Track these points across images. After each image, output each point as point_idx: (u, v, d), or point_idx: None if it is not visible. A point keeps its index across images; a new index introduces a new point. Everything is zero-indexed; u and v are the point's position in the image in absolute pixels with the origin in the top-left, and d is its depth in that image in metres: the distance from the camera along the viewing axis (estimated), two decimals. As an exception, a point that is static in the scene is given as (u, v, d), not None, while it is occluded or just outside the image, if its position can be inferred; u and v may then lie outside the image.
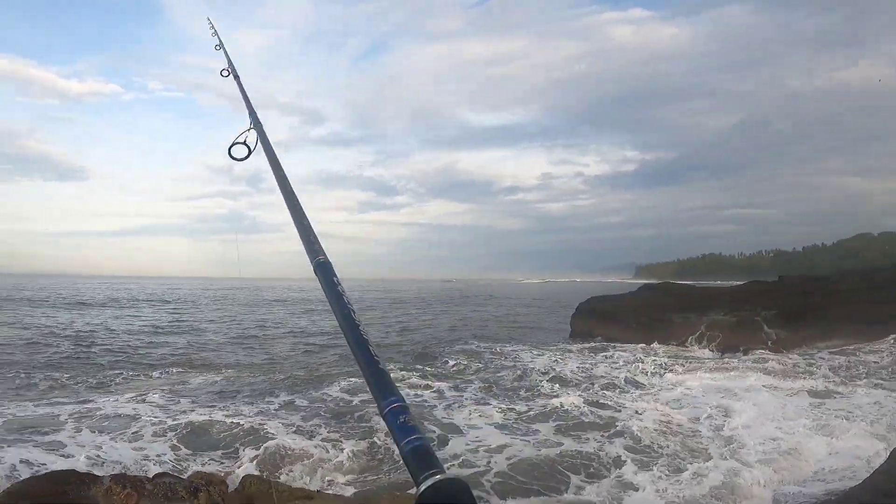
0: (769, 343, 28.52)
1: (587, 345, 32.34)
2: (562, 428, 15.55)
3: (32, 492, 6.86)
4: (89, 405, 17.20)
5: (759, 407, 16.86)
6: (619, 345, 31.60)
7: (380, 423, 15.46)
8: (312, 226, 2.49)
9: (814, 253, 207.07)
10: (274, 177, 3.03)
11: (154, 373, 23.46)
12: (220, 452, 13.37)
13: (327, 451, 13.23)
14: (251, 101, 4.01)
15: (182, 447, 13.57)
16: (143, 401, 17.75)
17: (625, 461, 12.83)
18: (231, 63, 5.07)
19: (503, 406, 17.79)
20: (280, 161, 3.15)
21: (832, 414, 15.89)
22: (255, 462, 12.27)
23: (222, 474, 10.41)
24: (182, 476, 8.19)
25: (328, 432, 14.85)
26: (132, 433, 14.41)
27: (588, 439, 14.50)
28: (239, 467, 11.99)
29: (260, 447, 13.21)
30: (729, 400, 18.01)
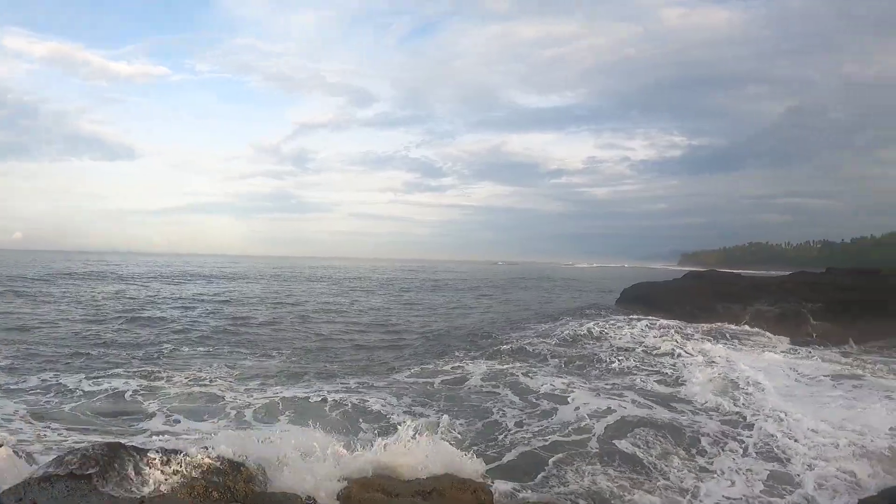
0: (814, 336, 28.15)
1: (634, 316, 33.19)
2: (642, 395, 16.89)
3: (78, 462, 6.98)
4: (156, 383, 17.64)
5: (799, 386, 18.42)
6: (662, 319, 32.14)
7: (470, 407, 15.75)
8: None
9: (864, 245, 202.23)
10: None
11: (207, 349, 24.01)
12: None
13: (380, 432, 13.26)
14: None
15: (260, 425, 13.85)
16: (208, 382, 17.98)
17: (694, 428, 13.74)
18: None
19: (585, 377, 19.34)
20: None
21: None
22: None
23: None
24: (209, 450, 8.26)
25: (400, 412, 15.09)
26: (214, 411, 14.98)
27: (671, 408, 15.72)
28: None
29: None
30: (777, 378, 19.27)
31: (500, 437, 13.31)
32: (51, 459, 7.31)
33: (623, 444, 12.51)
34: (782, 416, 14.65)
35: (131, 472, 7.09)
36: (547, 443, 12.71)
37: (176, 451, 7.71)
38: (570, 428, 13.61)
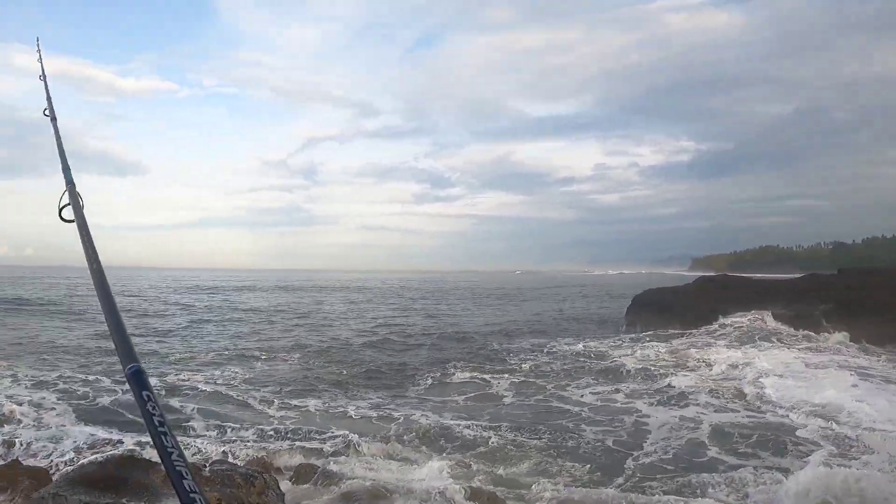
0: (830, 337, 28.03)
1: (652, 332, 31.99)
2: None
3: (91, 476, 6.96)
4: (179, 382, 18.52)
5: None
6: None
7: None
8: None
9: (875, 245, 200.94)
10: (84, 254, 2.43)
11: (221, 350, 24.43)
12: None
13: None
14: (65, 153, 3.36)
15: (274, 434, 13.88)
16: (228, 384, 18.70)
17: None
18: (50, 101, 4.09)
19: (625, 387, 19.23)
20: (92, 234, 2.47)
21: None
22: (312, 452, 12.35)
23: (277, 462, 10.55)
24: (239, 463, 8.25)
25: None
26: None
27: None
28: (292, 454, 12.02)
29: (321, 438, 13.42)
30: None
31: (632, 462, 12.60)
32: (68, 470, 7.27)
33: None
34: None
35: (143, 483, 7.05)
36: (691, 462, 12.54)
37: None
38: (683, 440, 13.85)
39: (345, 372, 21.79)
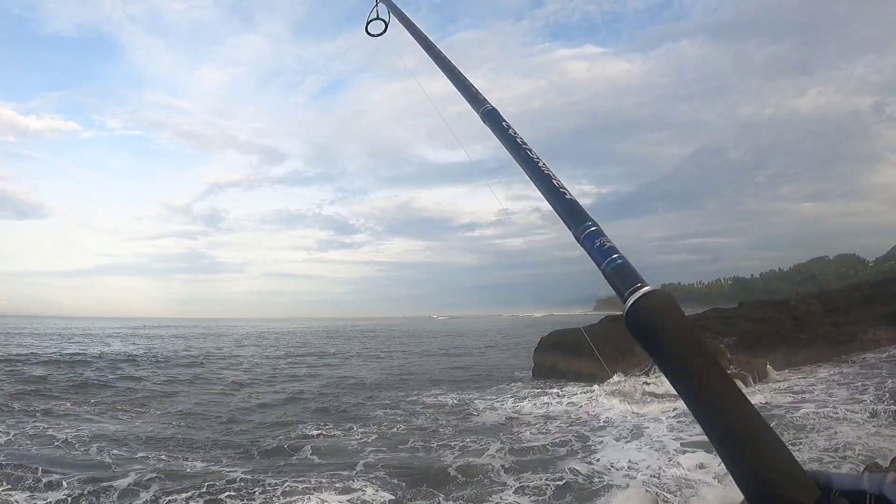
0: (733, 369, 28.33)
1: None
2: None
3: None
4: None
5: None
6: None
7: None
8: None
9: (772, 278, 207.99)
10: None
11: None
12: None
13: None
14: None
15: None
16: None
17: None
18: None
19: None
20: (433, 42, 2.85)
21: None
22: None
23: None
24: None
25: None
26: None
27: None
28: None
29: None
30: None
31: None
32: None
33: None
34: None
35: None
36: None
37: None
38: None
39: (218, 430, 21.33)
